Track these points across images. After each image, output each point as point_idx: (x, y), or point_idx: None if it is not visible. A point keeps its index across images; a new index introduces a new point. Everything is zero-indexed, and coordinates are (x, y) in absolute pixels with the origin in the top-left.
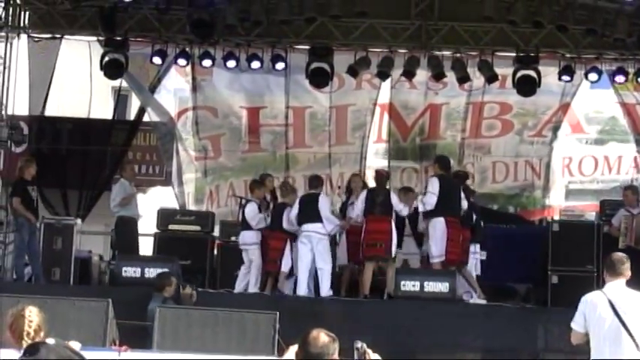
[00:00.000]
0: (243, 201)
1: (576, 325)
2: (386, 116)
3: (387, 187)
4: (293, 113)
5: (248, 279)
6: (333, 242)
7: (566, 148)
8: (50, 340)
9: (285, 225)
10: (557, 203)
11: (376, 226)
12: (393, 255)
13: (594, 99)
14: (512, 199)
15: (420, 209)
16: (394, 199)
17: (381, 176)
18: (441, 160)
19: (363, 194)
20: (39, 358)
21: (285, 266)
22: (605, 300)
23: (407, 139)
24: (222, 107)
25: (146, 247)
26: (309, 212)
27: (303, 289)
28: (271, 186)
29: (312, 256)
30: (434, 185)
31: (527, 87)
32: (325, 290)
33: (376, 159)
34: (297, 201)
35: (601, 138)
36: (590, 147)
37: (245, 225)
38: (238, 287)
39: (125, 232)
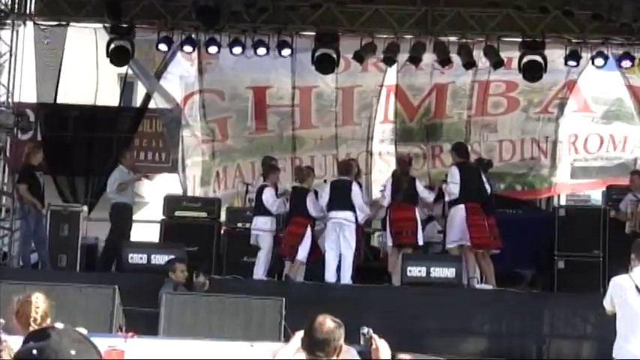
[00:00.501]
0: (250, 187)
1: (606, 303)
2: (392, 97)
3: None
4: (299, 93)
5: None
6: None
7: (572, 125)
8: (59, 325)
9: (313, 212)
10: (563, 181)
11: (401, 214)
12: (421, 242)
13: (601, 80)
14: (520, 178)
15: (446, 199)
16: (419, 186)
17: (404, 163)
18: (459, 147)
19: (390, 181)
20: (51, 344)
21: (302, 255)
22: (632, 285)
23: (413, 119)
24: (228, 89)
25: (153, 233)
26: (341, 199)
27: (332, 275)
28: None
29: (340, 242)
30: (454, 175)
31: (533, 72)
32: (347, 277)
33: (382, 144)
34: (328, 187)
35: (607, 117)
36: (596, 125)
37: (261, 210)
38: (257, 274)
39: (119, 218)
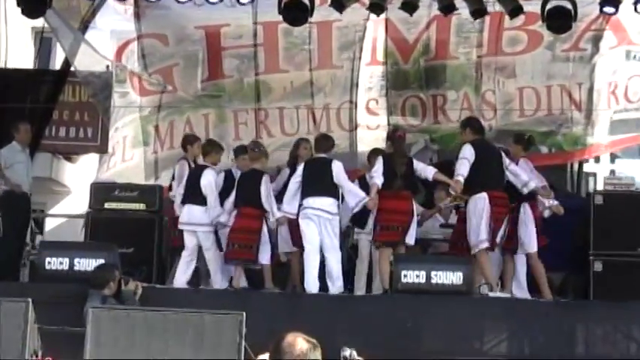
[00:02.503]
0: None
1: None
2: (381, 32)
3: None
4: (263, 30)
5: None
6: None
7: (610, 67)
8: None
9: (265, 203)
10: (599, 141)
11: (395, 205)
12: (411, 241)
13: None
14: (546, 137)
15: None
16: (418, 164)
17: (399, 138)
18: (471, 122)
19: (380, 162)
20: None
21: (264, 257)
22: None
23: (408, 60)
24: (173, 31)
25: (77, 231)
26: (318, 183)
27: (313, 283)
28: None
29: (321, 239)
30: (467, 153)
31: (560, 21)
32: (338, 286)
33: (370, 92)
34: (302, 167)
35: None
36: (639, 64)
37: (194, 197)
38: (178, 281)
39: (9, 209)
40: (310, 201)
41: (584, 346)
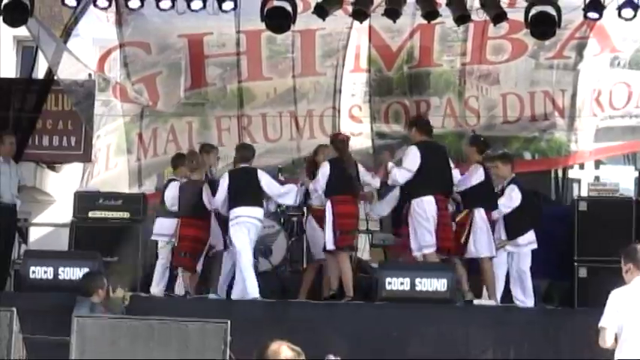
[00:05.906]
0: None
1: (607, 323)
2: (365, 40)
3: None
4: (246, 38)
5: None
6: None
7: (594, 74)
8: None
9: (210, 205)
10: (584, 148)
11: (347, 209)
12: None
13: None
14: (529, 143)
15: (389, 182)
16: (361, 169)
17: (344, 142)
18: (419, 122)
19: (326, 167)
20: None
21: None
22: (635, 297)
23: (392, 67)
24: (156, 39)
25: (61, 240)
26: (248, 194)
27: (254, 289)
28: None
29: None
30: (413, 158)
31: (544, 27)
32: (251, 291)
33: (353, 98)
34: (226, 178)
35: (637, 60)
36: (623, 71)
37: (163, 210)
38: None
39: None
40: (238, 210)
41: (569, 352)
